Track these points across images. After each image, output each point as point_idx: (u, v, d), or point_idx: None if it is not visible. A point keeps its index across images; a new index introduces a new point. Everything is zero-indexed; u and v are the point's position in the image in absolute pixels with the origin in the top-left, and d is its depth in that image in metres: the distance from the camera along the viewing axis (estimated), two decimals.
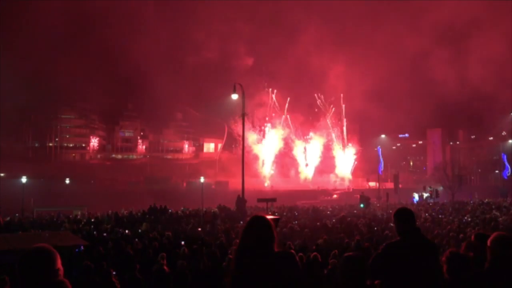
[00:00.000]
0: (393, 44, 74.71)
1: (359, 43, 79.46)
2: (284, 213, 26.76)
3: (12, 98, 54.80)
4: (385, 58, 72.76)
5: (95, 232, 15.77)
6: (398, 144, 79.18)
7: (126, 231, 16.14)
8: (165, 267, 8.38)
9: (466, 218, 20.34)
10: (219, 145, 68.90)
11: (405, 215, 3.81)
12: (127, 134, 69.77)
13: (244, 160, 25.43)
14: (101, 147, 68.13)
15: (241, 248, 2.91)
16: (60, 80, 61.39)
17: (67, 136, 65.96)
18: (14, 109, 55.87)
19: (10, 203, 29.66)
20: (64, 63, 62.48)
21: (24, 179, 38.70)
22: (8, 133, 56.99)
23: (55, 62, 58.82)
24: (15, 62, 48.24)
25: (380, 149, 66.33)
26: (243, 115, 28.26)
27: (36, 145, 62.12)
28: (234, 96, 25.26)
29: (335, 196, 53.49)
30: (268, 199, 26.15)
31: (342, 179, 65.96)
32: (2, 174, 45.03)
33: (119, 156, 67.38)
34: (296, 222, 19.03)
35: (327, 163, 67.68)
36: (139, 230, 16.65)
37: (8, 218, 20.81)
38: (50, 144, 63.65)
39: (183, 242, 12.22)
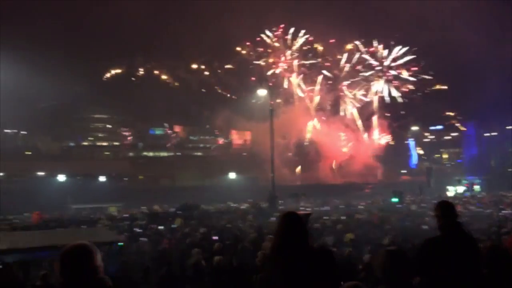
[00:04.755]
0: None
1: None
2: (315, 208, 26.62)
3: (48, 100, 56.97)
4: None
5: (131, 228, 16.16)
6: (432, 137, 77.01)
7: (160, 227, 16.47)
8: (201, 262, 8.51)
9: (506, 211, 19.66)
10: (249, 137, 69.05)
11: (446, 209, 3.71)
12: (157, 132, 71.19)
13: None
14: (133, 145, 69.62)
15: (276, 245, 2.92)
16: (93, 81, 63.27)
17: (101, 135, 67.91)
18: (50, 110, 58.06)
19: (49, 201, 30.80)
20: (96, 65, 64.31)
21: (61, 177, 40.19)
22: (45, 133, 59.22)
23: (88, 65, 60.59)
24: (50, 66, 49.82)
25: (413, 141, 64.89)
26: (271, 112, 28.25)
27: (72, 144, 64.13)
28: (261, 92, 25.24)
29: (367, 190, 52.66)
30: (298, 193, 26.13)
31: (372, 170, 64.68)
32: (41, 173, 46.78)
33: (150, 154, 68.62)
34: (327, 217, 18.90)
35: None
36: (172, 226, 16.96)
37: (48, 215, 21.57)
38: (85, 143, 65.66)
39: (216, 238, 12.36)
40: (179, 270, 8.80)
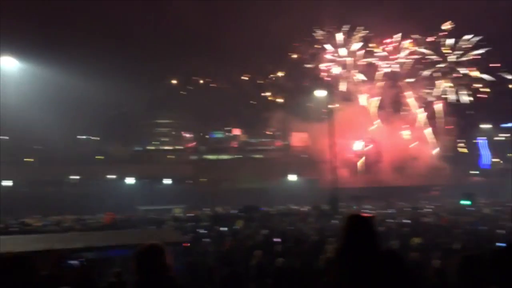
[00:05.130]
0: None
1: None
2: (379, 211, 25.82)
3: (118, 107, 60.54)
4: None
5: (195, 229, 16.64)
6: (507, 135, 71.57)
7: (223, 228, 16.79)
8: (262, 264, 8.58)
9: None
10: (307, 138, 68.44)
11: None
12: (218, 136, 72.88)
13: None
14: (195, 149, 71.69)
15: (342, 248, 2.85)
16: (157, 88, 66.15)
17: (165, 140, 70.79)
18: (119, 117, 61.66)
19: (119, 202, 32.56)
20: (160, 73, 67.16)
21: (130, 180, 42.40)
22: (115, 139, 62.84)
23: (154, 73, 63.46)
24: (119, 75, 52.83)
25: (484, 140, 60.70)
26: (329, 113, 27.86)
27: (139, 149, 67.37)
28: (319, 93, 24.98)
29: (434, 192, 50.14)
30: (361, 196, 25.53)
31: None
32: (112, 176, 49.60)
33: (212, 157, 70.22)
34: (392, 220, 18.26)
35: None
36: (234, 227, 17.23)
37: (119, 216, 22.76)
38: (151, 148, 68.77)
39: (277, 240, 12.38)
40: (242, 271, 8.92)
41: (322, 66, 65.70)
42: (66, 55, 47.42)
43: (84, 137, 62.37)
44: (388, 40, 63.63)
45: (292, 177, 49.72)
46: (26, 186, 42.69)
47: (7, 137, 44.93)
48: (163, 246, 2.57)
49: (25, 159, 50.18)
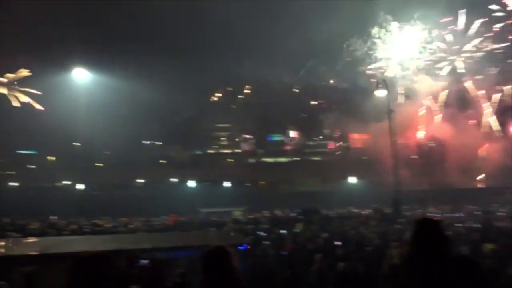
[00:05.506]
0: None
1: None
2: (445, 214, 24.59)
3: (179, 112, 62.87)
4: None
5: (255, 232, 16.81)
6: None
7: (283, 231, 16.82)
8: (323, 268, 8.51)
9: None
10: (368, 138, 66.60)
11: None
12: (275, 139, 73.23)
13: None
14: (253, 152, 72.50)
15: (411, 253, 2.75)
16: (216, 92, 67.76)
17: (224, 144, 72.33)
18: (181, 122, 64.02)
19: (182, 205, 33.67)
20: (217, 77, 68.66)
21: (191, 183, 43.79)
22: (177, 143, 65.24)
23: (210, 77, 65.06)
24: (179, 81, 54.90)
25: None
26: (389, 112, 26.99)
27: (199, 152, 69.39)
28: (379, 93, 24.27)
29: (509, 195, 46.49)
30: (426, 198, 24.43)
31: None
32: (174, 180, 51.52)
33: (270, 160, 70.61)
34: (460, 224, 17.31)
35: None
36: (294, 230, 17.19)
37: (183, 218, 23.54)
38: (210, 152, 70.58)
39: (338, 243, 12.19)
40: (302, 274, 8.90)
41: (377, 64, 63.61)
42: (132, 64, 50.15)
43: (148, 142, 65.44)
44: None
45: (352, 179, 48.68)
46: (97, 189, 45.44)
47: (79, 144, 48.12)
48: (229, 248, 2.64)
49: (95, 164, 53.48)
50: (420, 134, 60.20)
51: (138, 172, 52.90)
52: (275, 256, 11.59)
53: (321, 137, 71.70)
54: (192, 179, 47.31)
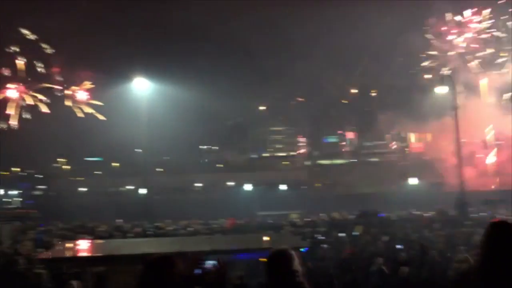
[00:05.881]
0: None
1: None
2: None
3: (234, 117, 64.08)
4: None
5: (313, 235, 16.67)
6: None
7: (342, 234, 16.55)
8: (385, 272, 8.28)
9: None
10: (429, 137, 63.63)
11: None
12: (331, 140, 72.26)
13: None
14: (309, 154, 72.03)
15: (486, 260, 2.57)
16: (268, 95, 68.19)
17: (279, 146, 72.56)
18: (236, 126, 65.17)
19: (239, 208, 34.14)
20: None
21: (248, 187, 44.39)
22: (232, 147, 66.41)
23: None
24: (233, 86, 55.90)
25: None
26: (454, 108, 25.80)
27: (255, 156, 70.11)
28: (440, 89, 23.23)
29: None
30: (495, 200, 23.02)
31: None
32: (231, 183, 52.47)
33: (326, 162, 69.80)
34: None
35: None
36: (353, 233, 16.85)
37: (240, 221, 23.81)
38: (266, 155, 71.09)
39: (400, 247, 11.81)
40: (363, 278, 8.72)
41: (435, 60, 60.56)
42: (188, 71, 51.85)
43: (205, 147, 67.20)
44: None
45: (413, 181, 46.90)
46: (158, 193, 47.28)
47: (140, 150, 50.38)
48: (291, 251, 2.64)
49: (156, 169, 55.71)
50: (486, 132, 56.61)
51: (196, 176, 54.46)
52: (334, 260, 11.44)
53: (378, 137, 69.77)
54: (248, 182, 47.96)
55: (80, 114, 51.84)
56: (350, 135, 72.12)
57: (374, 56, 65.59)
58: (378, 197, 37.37)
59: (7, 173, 53.34)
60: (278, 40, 61.18)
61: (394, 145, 69.57)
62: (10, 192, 52.34)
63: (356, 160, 67.49)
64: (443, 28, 59.59)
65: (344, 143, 71.91)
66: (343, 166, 66.28)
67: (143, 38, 56.05)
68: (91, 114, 51.67)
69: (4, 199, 49.12)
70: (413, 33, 60.51)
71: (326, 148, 72.01)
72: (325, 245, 13.57)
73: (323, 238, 15.65)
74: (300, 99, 71.29)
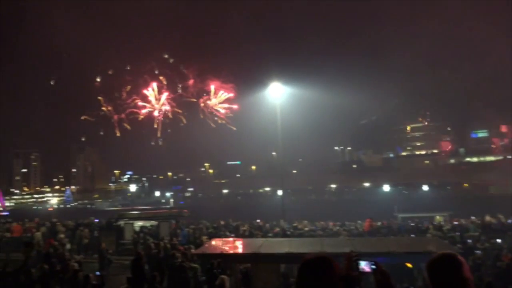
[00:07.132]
0: None
1: None
2: None
3: (368, 115, 62.16)
4: None
5: (463, 240, 15.31)
6: None
7: (498, 240, 14.84)
8: None
9: None
10: None
11: None
12: (480, 135, 65.05)
13: None
14: (454, 151, 66.19)
15: None
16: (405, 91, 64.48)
17: (419, 144, 67.95)
18: (370, 125, 63.03)
19: (376, 209, 32.91)
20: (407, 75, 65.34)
21: (386, 187, 42.64)
22: (367, 147, 64.50)
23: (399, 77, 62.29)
24: (366, 84, 54.28)
25: None
26: None
27: (392, 155, 67.05)
28: None
29: None
30: None
31: None
32: (366, 184, 51.04)
33: (474, 159, 63.16)
34: None
35: None
36: None
37: (380, 223, 22.92)
38: (404, 154, 67.32)
39: None
40: None
41: None
42: (321, 72, 52.09)
43: (338, 148, 66.65)
44: None
45: None
46: (293, 194, 48.44)
47: (274, 153, 52.30)
48: (459, 257, 2.38)
49: (292, 171, 57.26)
50: None
51: (330, 177, 54.28)
52: (490, 268, 10.32)
53: None
54: (385, 183, 46.09)
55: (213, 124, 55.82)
56: (503, 128, 64.03)
57: None
58: None
59: (162, 177, 60.60)
60: (403, 35, 57.50)
61: None
62: (166, 194, 59.56)
63: (510, 157, 59.64)
64: None
65: (496, 138, 64.08)
66: (495, 164, 59.16)
67: (278, 45, 58.18)
68: (228, 123, 55.35)
69: (162, 200, 56.09)
70: None
71: (474, 143, 65.14)
72: (478, 252, 12.34)
73: (475, 243, 14.22)
74: (437, 87, 65.90)
